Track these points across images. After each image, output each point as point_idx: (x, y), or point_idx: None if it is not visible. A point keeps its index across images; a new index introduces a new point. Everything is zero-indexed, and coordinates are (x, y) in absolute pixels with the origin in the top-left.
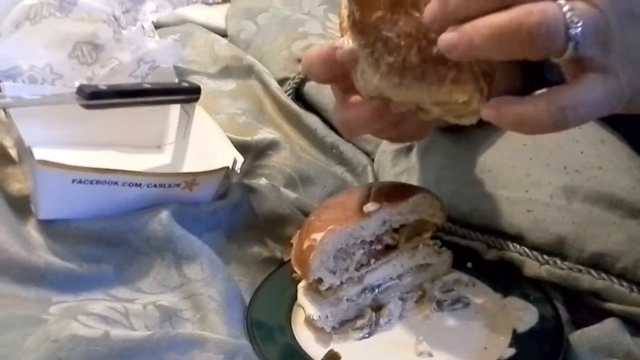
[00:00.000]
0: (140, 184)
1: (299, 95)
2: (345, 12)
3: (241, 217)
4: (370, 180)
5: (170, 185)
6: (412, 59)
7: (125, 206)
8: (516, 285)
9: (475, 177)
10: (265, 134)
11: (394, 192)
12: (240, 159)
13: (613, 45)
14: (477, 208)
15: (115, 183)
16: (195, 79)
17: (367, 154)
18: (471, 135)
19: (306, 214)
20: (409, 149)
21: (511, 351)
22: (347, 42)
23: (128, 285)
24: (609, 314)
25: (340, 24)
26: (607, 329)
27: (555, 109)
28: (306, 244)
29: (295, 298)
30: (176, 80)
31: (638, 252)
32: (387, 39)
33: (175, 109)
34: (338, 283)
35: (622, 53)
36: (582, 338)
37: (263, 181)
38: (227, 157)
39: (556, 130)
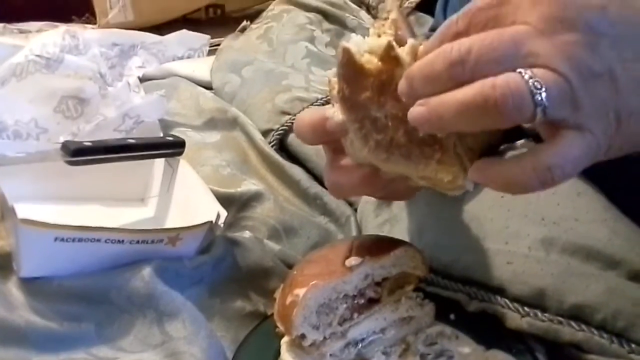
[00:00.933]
0: (122, 241)
1: (282, 147)
2: (335, 81)
3: (224, 271)
4: (354, 230)
5: (153, 241)
6: (399, 138)
7: (108, 263)
8: (499, 337)
9: (457, 227)
10: (249, 185)
11: (376, 246)
12: (224, 213)
13: (582, 103)
14: (458, 259)
15: (98, 240)
16: (180, 132)
17: (350, 204)
18: None
19: (290, 266)
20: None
21: None
22: (337, 114)
23: (109, 344)
24: None
25: (330, 91)
26: None
27: (542, 169)
28: (289, 299)
29: (278, 353)
30: (161, 134)
31: (616, 303)
32: (375, 118)
33: (159, 163)
34: (321, 338)
35: (593, 108)
36: None
37: (247, 234)
38: (211, 211)
39: (543, 188)
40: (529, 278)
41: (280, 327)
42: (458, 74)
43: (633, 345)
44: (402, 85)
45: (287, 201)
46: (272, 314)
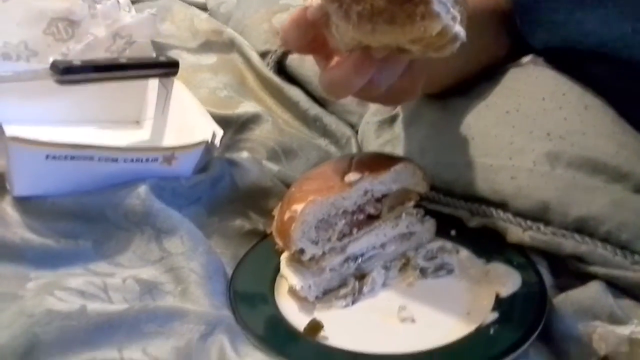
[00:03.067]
0: (117, 159)
1: (281, 69)
2: None
3: (222, 191)
4: (354, 151)
5: (148, 160)
6: (378, 3)
7: (102, 182)
8: (499, 251)
9: (459, 146)
10: (247, 107)
11: (375, 162)
12: (220, 132)
13: None
14: (460, 176)
15: (91, 158)
16: (174, 54)
17: (352, 125)
18: (455, 103)
19: (289, 187)
20: (392, 120)
21: (494, 315)
22: (314, 1)
23: (107, 260)
24: (593, 277)
25: None
26: (590, 292)
27: None
28: (287, 215)
29: (278, 269)
30: (154, 55)
31: (621, 216)
32: None
33: (153, 84)
34: (320, 253)
35: None
36: (565, 301)
37: (245, 154)
38: (207, 131)
39: None
40: (532, 192)
41: (279, 243)
42: None
43: (636, 257)
44: None
45: (286, 123)
46: (272, 233)
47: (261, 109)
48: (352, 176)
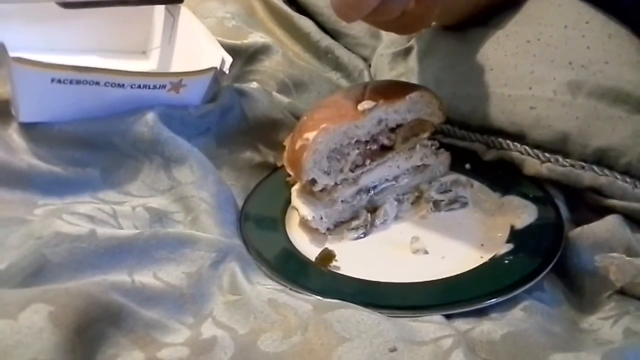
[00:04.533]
0: (123, 85)
1: (292, 1)
2: None
3: (232, 122)
4: None
5: (155, 87)
6: None
7: (109, 108)
8: (515, 184)
9: (476, 77)
10: (256, 38)
11: (390, 90)
12: (229, 60)
13: None
14: (476, 108)
15: (97, 83)
16: None
17: (364, 59)
18: (473, 34)
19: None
20: (407, 52)
21: (508, 247)
22: None
23: (116, 188)
24: (610, 211)
25: None
26: (607, 225)
27: None
28: (299, 143)
29: (289, 201)
30: None
31: None
32: None
33: (159, 12)
34: (332, 184)
35: None
36: (582, 235)
37: (254, 85)
38: (215, 58)
39: None
40: (552, 122)
41: (291, 173)
42: None
43: None
44: None
45: (297, 55)
46: (283, 166)
47: (271, 39)
48: (365, 104)
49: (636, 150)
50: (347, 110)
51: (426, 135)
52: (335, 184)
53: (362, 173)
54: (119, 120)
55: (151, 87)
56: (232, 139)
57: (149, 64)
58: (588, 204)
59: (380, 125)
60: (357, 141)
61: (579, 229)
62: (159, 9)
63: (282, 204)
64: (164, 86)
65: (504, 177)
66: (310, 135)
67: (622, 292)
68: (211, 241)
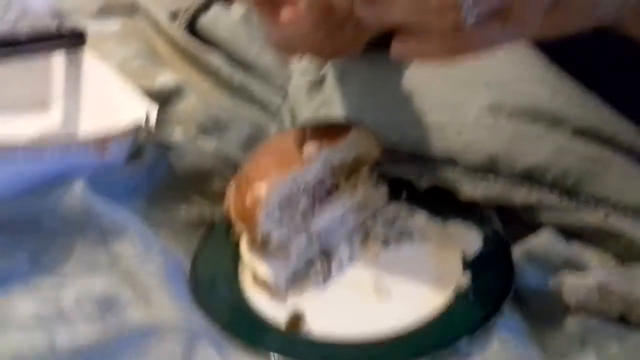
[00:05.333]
0: (43, 155)
1: (193, 32)
2: None
3: (161, 178)
4: (287, 117)
5: (78, 152)
6: None
7: (30, 184)
8: (454, 209)
9: (399, 104)
10: (165, 78)
11: (330, 131)
12: (154, 112)
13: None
14: (405, 136)
15: (14, 158)
16: (73, 22)
17: (277, 88)
18: (386, 58)
19: (230, 164)
20: (322, 81)
21: (466, 277)
22: None
23: (49, 272)
24: (542, 225)
25: None
26: (542, 239)
27: None
28: (249, 198)
29: (237, 258)
30: (53, 25)
31: (565, 161)
32: None
33: (58, 59)
34: (287, 236)
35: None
36: (521, 251)
37: (177, 133)
38: (136, 110)
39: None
40: (480, 145)
41: (243, 230)
42: None
43: (581, 200)
44: None
45: (210, 94)
46: (223, 217)
47: (180, 79)
48: (310, 148)
49: (559, 165)
50: (293, 156)
51: (366, 170)
52: (289, 234)
53: (312, 219)
54: (44, 196)
55: (73, 152)
56: (162, 197)
57: (52, 118)
58: (521, 221)
59: (325, 168)
60: (305, 186)
61: (516, 246)
62: (59, 56)
63: (231, 261)
64: (87, 149)
65: (442, 203)
66: (262, 188)
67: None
68: (174, 325)
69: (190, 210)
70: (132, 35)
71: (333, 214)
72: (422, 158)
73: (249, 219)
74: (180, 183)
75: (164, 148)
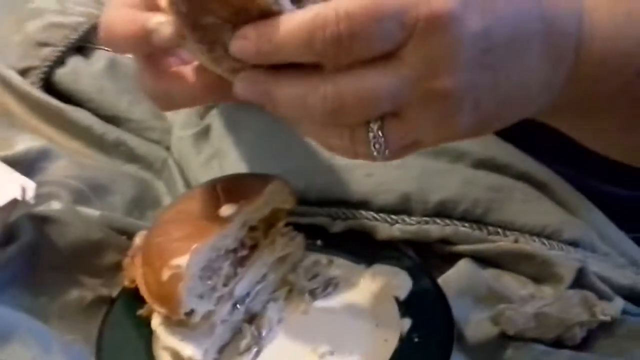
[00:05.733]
0: None
1: (49, 88)
2: None
3: (43, 260)
4: (175, 174)
5: None
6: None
7: None
8: (373, 251)
9: (300, 149)
10: (27, 143)
11: (244, 187)
12: (31, 185)
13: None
14: (312, 182)
15: None
16: None
17: (154, 142)
18: None
19: (121, 232)
20: (206, 131)
21: (408, 322)
22: (166, 27)
23: None
24: (458, 256)
25: None
26: (461, 271)
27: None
28: (166, 273)
29: (149, 340)
30: None
31: (473, 192)
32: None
33: None
34: (212, 308)
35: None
36: (445, 284)
37: (55, 205)
38: (9, 186)
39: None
40: (391, 185)
41: (158, 309)
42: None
43: (490, 228)
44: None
45: (81, 154)
46: (121, 294)
47: (43, 141)
48: (227, 209)
49: (469, 196)
50: (208, 219)
51: (282, 223)
52: (214, 307)
53: (235, 284)
54: None
55: None
56: (48, 281)
57: None
58: (437, 254)
59: (244, 228)
60: (225, 251)
61: (439, 279)
62: None
63: (143, 343)
64: None
65: (360, 247)
66: (181, 260)
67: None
68: None
69: (83, 293)
70: None
71: (255, 275)
72: (332, 202)
73: (168, 297)
74: (65, 262)
75: (42, 222)
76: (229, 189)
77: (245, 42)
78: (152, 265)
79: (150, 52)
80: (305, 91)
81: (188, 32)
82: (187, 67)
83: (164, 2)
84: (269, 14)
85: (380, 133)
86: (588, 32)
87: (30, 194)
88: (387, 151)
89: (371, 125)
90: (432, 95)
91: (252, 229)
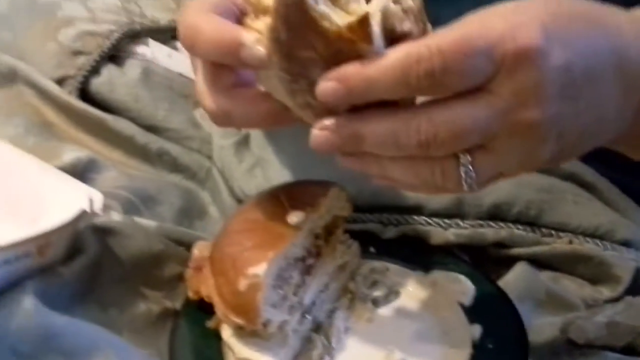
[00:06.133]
0: None
1: (85, 97)
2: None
3: (107, 272)
4: (220, 183)
5: (17, 258)
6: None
7: None
8: (428, 257)
9: None
10: (73, 153)
11: (307, 194)
12: (99, 196)
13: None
14: (363, 188)
15: None
16: None
17: (196, 151)
18: None
19: (179, 243)
20: (247, 140)
21: (478, 328)
22: (260, 48)
23: None
24: (513, 259)
25: (253, 3)
26: (519, 274)
27: None
28: (243, 282)
29: (219, 352)
30: None
31: (526, 194)
32: (314, 82)
33: None
34: (287, 317)
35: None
36: (505, 289)
37: (115, 216)
38: (74, 196)
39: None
40: None
41: (235, 320)
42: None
43: (544, 230)
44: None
45: (125, 164)
46: (184, 306)
47: (87, 152)
48: (295, 217)
49: (522, 198)
50: (279, 228)
51: (340, 230)
52: (286, 316)
53: (304, 293)
54: None
55: (14, 260)
56: (115, 294)
57: None
58: (491, 258)
59: (311, 236)
60: (295, 259)
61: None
62: None
63: (215, 354)
64: (28, 253)
65: (414, 253)
66: (259, 269)
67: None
68: None
69: (149, 306)
70: (15, 107)
71: (319, 284)
72: (383, 208)
73: (246, 307)
74: (128, 275)
75: (104, 234)
76: (292, 196)
77: (337, 83)
78: (226, 276)
79: (231, 64)
80: (397, 125)
81: (278, 59)
82: (251, 90)
83: (261, 25)
84: (363, 56)
85: (470, 166)
86: None
87: (98, 205)
88: (476, 183)
89: (461, 158)
90: (520, 126)
91: (316, 237)
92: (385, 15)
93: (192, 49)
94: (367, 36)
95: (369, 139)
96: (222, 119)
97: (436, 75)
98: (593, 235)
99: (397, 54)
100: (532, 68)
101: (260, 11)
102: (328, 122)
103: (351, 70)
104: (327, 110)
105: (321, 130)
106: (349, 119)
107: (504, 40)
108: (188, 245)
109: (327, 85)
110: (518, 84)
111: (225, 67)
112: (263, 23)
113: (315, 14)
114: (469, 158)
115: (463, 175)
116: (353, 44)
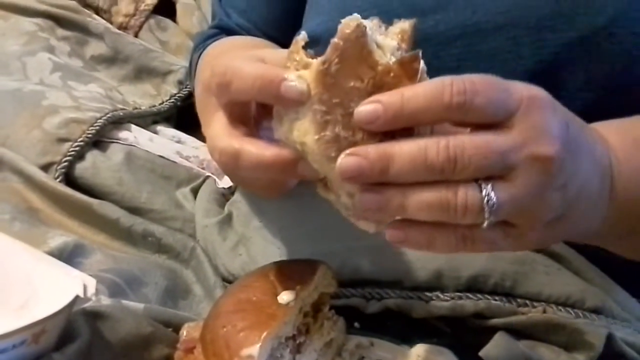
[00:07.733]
0: None
1: (70, 182)
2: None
3: (99, 357)
4: (205, 262)
5: (14, 346)
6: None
7: None
8: (412, 331)
9: (330, 232)
10: (59, 238)
11: (293, 273)
12: (92, 281)
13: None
14: (345, 263)
15: None
16: None
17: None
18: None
19: (166, 324)
20: (229, 218)
21: None
22: (301, 82)
23: None
24: (492, 330)
25: (291, 53)
26: (499, 344)
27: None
28: None
29: None
30: None
31: (500, 266)
32: (350, 113)
33: None
34: None
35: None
36: (487, 359)
37: (104, 300)
38: (62, 282)
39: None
40: (424, 263)
41: None
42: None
43: (519, 300)
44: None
45: (108, 247)
46: None
47: (73, 236)
48: (286, 296)
49: (497, 270)
50: (270, 308)
51: (327, 307)
52: None
53: None
54: None
55: (10, 348)
56: None
57: None
58: (471, 329)
59: (300, 314)
60: (286, 338)
61: (480, 354)
62: None
63: None
64: (23, 341)
65: (397, 327)
66: (251, 350)
67: None
68: None
69: None
70: (1, 194)
71: None
72: (365, 282)
73: None
74: (119, 359)
75: (96, 319)
76: (282, 276)
77: (377, 103)
78: (220, 357)
79: (267, 100)
80: (427, 144)
81: (320, 89)
82: (264, 138)
83: (314, 63)
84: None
85: (492, 192)
86: (614, 156)
87: (91, 290)
88: (495, 212)
89: (483, 183)
90: (536, 160)
91: (304, 314)
92: None
93: (227, 87)
94: (414, 74)
95: (397, 158)
96: (230, 159)
97: (467, 95)
98: (565, 304)
99: (435, 80)
100: (544, 111)
101: (302, 67)
102: (355, 149)
103: (390, 93)
104: (354, 142)
105: (349, 155)
106: (378, 144)
107: (520, 87)
108: (176, 327)
109: (368, 106)
110: (533, 122)
111: (246, 117)
112: (300, 57)
113: (372, 48)
114: (490, 184)
115: (485, 199)
116: (398, 79)
